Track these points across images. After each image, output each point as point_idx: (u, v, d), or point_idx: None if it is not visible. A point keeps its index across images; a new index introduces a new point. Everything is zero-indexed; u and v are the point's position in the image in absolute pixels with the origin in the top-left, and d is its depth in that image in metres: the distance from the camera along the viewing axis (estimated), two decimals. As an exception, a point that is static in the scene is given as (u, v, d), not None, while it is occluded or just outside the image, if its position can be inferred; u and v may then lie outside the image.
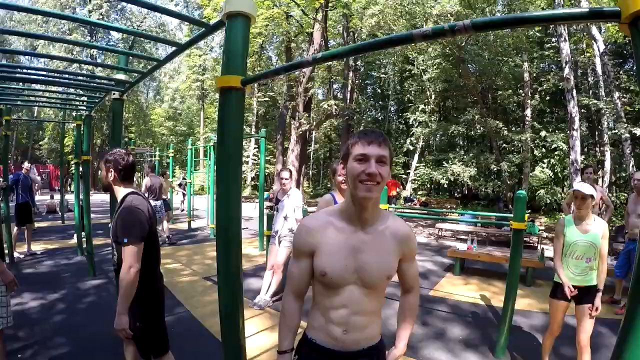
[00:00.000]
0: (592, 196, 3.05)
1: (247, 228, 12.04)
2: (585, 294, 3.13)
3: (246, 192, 26.80)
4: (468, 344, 4.10)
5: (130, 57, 5.83)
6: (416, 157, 20.11)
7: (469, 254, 7.10)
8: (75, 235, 8.47)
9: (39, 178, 10.06)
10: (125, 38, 32.23)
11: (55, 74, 4.86)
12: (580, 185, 3.11)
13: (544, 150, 14.80)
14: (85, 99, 5.93)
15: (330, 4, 17.41)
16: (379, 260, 1.49)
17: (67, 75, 5.25)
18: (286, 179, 5.38)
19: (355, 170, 1.39)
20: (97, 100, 5.75)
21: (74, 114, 10.22)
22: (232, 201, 2.13)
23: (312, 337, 1.58)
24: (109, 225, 2.69)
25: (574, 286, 3.12)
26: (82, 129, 7.66)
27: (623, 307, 5.03)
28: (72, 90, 5.81)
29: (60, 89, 5.87)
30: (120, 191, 2.48)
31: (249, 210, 16.55)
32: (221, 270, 2.19)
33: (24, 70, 5.01)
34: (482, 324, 4.65)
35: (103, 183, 2.52)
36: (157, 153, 15.23)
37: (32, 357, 3.50)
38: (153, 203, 9.15)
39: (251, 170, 27.69)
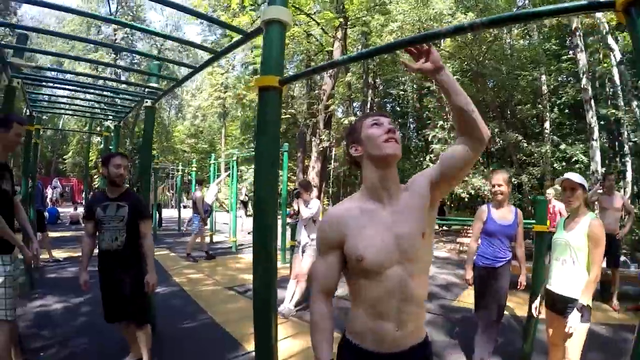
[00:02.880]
0: (582, 186, 2.69)
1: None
2: (563, 305, 2.68)
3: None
4: (494, 350, 4.06)
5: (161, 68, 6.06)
6: (436, 174, 19.89)
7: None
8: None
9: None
10: (154, 52, 33.01)
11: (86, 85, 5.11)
12: (569, 174, 2.77)
13: (564, 163, 14.64)
14: (116, 109, 6.16)
15: (349, 22, 17.77)
16: (412, 222, 1.39)
17: (99, 84, 5.50)
18: (296, 190, 5.61)
19: (375, 133, 1.41)
20: (127, 110, 5.95)
21: (98, 128, 10.53)
22: (270, 199, 2.24)
23: (357, 343, 1.43)
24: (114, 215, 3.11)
25: (552, 293, 2.78)
26: (110, 140, 7.93)
27: None
28: (101, 100, 6.07)
29: (88, 102, 6.11)
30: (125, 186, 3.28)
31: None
32: (257, 267, 2.23)
33: (54, 81, 5.24)
34: (507, 332, 4.58)
35: (123, 177, 3.18)
36: (181, 168, 15.54)
37: (54, 355, 3.62)
38: (192, 215, 9.28)
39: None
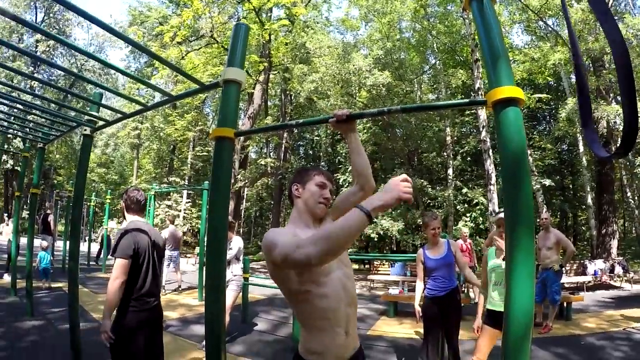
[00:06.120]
0: None
1: (182, 281, 11.90)
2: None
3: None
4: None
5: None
6: (346, 215, 20.83)
7: (400, 297, 7.72)
8: (5, 275, 8.84)
9: None
10: (73, 70, 30.76)
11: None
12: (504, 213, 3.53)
13: (466, 205, 16.33)
14: (43, 130, 5.75)
15: (272, 67, 18.63)
16: None
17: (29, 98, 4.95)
18: None
19: (317, 193, 1.82)
20: (58, 134, 5.63)
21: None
22: (222, 236, 2.52)
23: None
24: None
25: (497, 312, 3.20)
26: (30, 161, 7.66)
27: (545, 327, 6.06)
28: (27, 117, 5.69)
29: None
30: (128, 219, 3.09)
31: (182, 265, 16.14)
32: (209, 296, 2.47)
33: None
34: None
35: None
36: (93, 198, 14.77)
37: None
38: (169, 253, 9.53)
39: (183, 225, 26.50)
